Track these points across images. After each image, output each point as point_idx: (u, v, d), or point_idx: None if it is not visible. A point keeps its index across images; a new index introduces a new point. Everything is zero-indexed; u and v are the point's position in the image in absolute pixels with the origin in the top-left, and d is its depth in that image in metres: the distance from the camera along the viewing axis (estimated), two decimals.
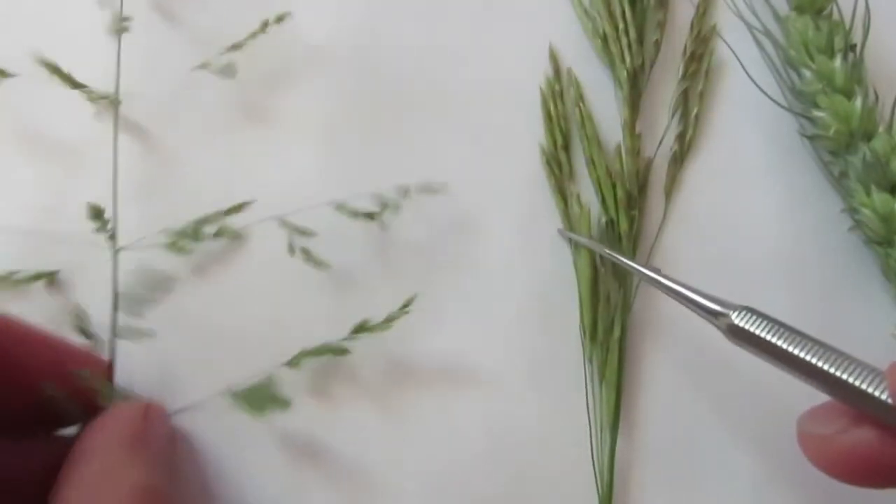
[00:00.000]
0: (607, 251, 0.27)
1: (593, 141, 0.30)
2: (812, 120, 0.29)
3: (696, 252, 0.29)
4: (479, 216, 0.30)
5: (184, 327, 0.28)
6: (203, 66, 0.30)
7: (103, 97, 0.29)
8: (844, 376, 0.19)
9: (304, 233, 0.28)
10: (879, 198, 0.27)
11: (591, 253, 0.28)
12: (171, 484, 0.22)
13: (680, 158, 0.30)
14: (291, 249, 0.28)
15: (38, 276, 0.28)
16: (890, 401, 0.19)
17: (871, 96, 0.29)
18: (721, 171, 0.30)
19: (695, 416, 0.28)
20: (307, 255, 0.28)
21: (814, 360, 0.20)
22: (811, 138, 0.29)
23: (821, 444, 0.20)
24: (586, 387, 0.28)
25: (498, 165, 0.30)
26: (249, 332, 0.28)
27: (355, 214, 0.28)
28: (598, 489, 0.26)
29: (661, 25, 0.31)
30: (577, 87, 0.31)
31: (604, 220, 0.29)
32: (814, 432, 0.21)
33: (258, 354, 0.26)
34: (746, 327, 0.21)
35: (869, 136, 0.28)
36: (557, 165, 0.30)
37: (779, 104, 0.30)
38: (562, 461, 0.27)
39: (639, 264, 0.26)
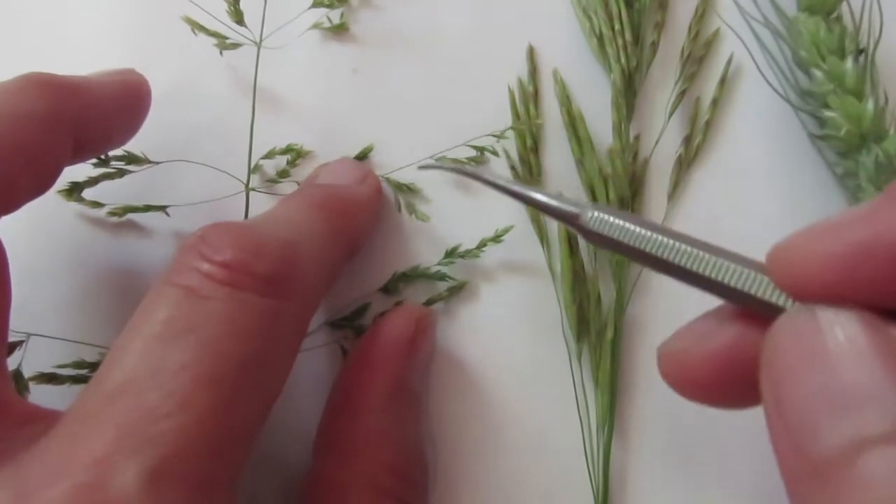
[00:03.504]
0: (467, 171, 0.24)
1: (585, 142, 0.29)
2: (822, 120, 0.28)
3: None
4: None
5: None
6: (316, 25, 0.30)
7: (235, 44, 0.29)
8: (711, 272, 0.17)
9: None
10: None
11: (572, 254, 0.27)
12: (422, 385, 0.26)
13: (686, 162, 0.29)
14: (398, 205, 0.29)
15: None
16: (765, 290, 0.17)
17: (882, 98, 0.28)
18: (725, 175, 0.29)
19: (690, 418, 0.27)
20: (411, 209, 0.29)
21: (671, 257, 0.18)
22: (821, 139, 0.28)
23: (680, 355, 0.18)
24: (575, 388, 0.27)
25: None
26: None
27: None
28: (593, 493, 0.26)
29: (659, 27, 0.30)
30: (563, 87, 0.30)
31: None
32: (673, 347, 0.19)
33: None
34: (599, 230, 0.19)
35: (879, 138, 0.27)
36: (527, 168, 0.29)
37: (791, 104, 0.29)
38: (557, 464, 0.27)
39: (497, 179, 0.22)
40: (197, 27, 0.29)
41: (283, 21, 0.30)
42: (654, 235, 0.18)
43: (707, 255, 0.17)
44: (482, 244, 0.28)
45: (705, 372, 0.18)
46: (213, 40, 0.29)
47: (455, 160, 0.29)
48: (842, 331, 0.15)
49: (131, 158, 0.28)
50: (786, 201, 0.29)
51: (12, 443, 0.19)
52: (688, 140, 0.29)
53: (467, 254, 0.28)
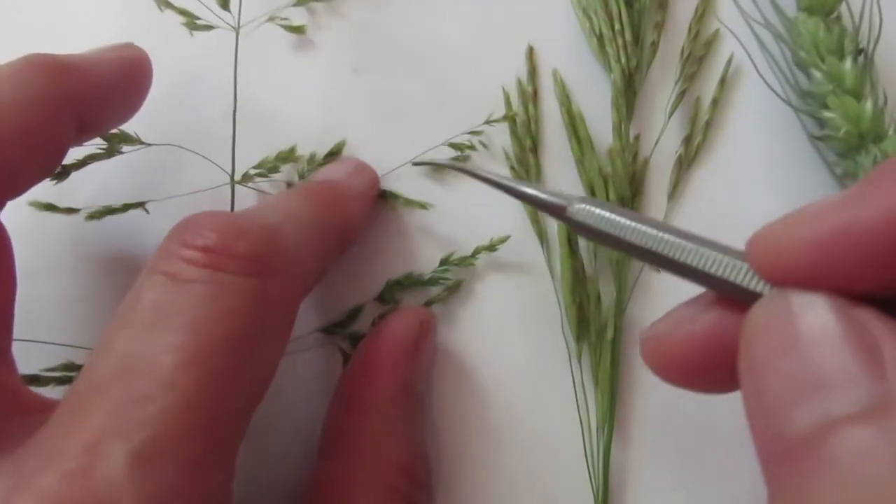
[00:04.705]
0: (463, 167, 0.25)
1: (585, 142, 0.29)
2: (821, 121, 0.28)
3: None
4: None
5: None
6: (272, 19, 0.30)
7: (209, 25, 0.29)
8: (692, 261, 0.18)
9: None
10: None
11: (572, 254, 0.27)
12: (425, 384, 0.26)
13: (686, 162, 0.29)
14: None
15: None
16: (746, 277, 0.17)
17: (881, 98, 0.28)
18: (725, 174, 0.29)
19: (690, 417, 0.27)
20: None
21: (656, 248, 0.18)
22: (820, 139, 0.28)
23: (661, 339, 0.19)
24: (575, 388, 0.27)
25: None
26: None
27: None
28: (593, 493, 0.26)
29: (659, 27, 0.30)
30: (563, 87, 0.30)
31: None
32: (655, 331, 0.19)
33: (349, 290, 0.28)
34: (585, 221, 0.19)
35: (878, 138, 0.27)
36: (525, 169, 0.29)
37: (791, 105, 0.29)
38: (557, 464, 0.27)
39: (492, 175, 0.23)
40: (164, 4, 0.29)
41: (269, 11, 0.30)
42: (638, 226, 0.18)
43: (689, 244, 0.18)
44: (476, 252, 0.28)
45: (685, 355, 0.18)
46: (211, 38, 0.29)
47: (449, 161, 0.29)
48: (814, 315, 0.15)
49: (123, 137, 0.27)
50: (786, 201, 0.29)
51: (18, 431, 0.19)
52: (688, 140, 0.29)
53: (462, 261, 0.28)
